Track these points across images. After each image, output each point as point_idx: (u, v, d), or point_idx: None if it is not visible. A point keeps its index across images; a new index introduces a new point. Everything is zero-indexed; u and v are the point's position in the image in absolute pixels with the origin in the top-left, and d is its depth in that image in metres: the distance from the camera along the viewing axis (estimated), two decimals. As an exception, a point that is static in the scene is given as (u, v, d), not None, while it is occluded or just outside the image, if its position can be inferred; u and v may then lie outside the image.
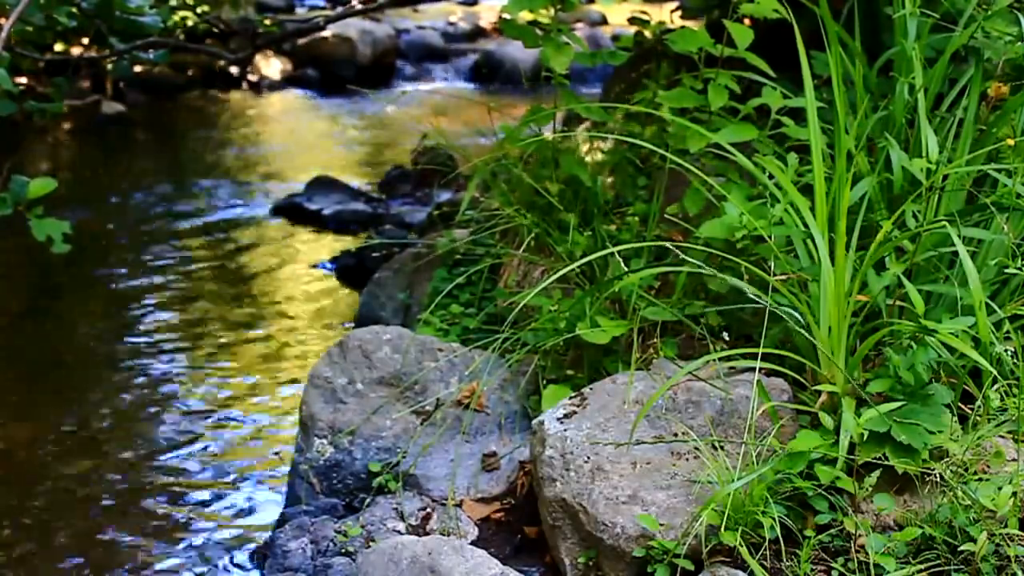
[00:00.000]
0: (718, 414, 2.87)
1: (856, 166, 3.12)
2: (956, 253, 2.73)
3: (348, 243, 6.19)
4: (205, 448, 4.08)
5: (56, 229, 4.07)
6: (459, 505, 3.17)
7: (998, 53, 3.32)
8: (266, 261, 6.08)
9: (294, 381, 4.57)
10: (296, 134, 8.96)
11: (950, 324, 2.67)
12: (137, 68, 9.08)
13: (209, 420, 4.29)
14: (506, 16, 3.98)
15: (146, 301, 5.48)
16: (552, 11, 3.91)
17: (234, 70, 10.32)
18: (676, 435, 2.82)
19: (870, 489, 2.57)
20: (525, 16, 3.98)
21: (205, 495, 3.77)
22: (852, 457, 2.61)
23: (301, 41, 10.38)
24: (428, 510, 3.15)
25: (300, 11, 12.49)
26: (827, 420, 2.65)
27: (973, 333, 2.65)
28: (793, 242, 3.06)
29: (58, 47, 8.45)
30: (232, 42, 10.11)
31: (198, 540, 3.50)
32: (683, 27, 3.97)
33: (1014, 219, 2.99)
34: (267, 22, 9.72)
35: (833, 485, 2.59)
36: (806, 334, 2.77)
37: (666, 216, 3.50)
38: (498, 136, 4.07)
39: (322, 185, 6.95)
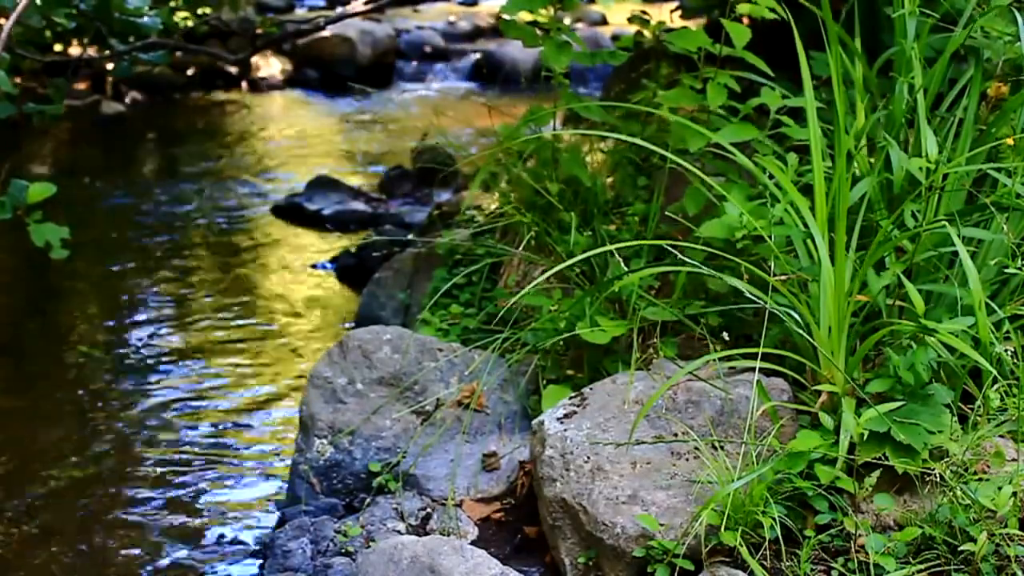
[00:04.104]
0: (718, 414, 2.87)
1: (856, 166, 3.12)
2: (956, 253, 2.73)
3: (348, 243, 6.19)
4: (205, 448, 4.08)
5: (55, 234, 4.07)
6: (459, 505, 3.17)
7: (998, 53, 3.32)
8: (266, 261, 6.08)
9: (294, 381, 4.57)
10: (296, 134, 8.96)
11: (950, 324, 2.67)
12: (137, 68, 9.07)
13: (209, 420, 4.29)
14: (505, 16, 3.98)
15: (145, 301, 5.48)
16: (551, 11, 3.92)
17: (234, 70, 10.31)
18: (676, 435, 2.82)
19: (870, 489, 2.57)
20: (524, 16, 3.98)
21: (205, 495, 3.77)
22: (852, 457, 2.61)
23: (301, 41, 10.37)
24: (428, 510, 3.15)
25: (300, 11, 12.49)
26: (827, 420, 2.65)
27: (973, 333, 2.65)
28: (793, 242, 3.07)
29: (57, 48, 8.45)
30: (232, 42, 10.11)
31: (198, 540, 3.50)
32: (683, 27, 3.97)
33: (1014, 219, 2.99)
34: (267, 22, 9.72)
35: (833, 485, 2.59)
36: (806, 334, 2.77)
37: (667, 215, 3.50)
38: (498, 136, 4.07)
39: (322, 185, 6.95)
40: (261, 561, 3.25)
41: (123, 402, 4.44)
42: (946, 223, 2.74)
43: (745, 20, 3.63)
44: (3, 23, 4.27)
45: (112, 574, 3.35)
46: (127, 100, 9.54)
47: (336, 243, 6.29)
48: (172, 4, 8.73)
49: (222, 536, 3.52)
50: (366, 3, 9.25)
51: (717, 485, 2.59)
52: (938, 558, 2.47)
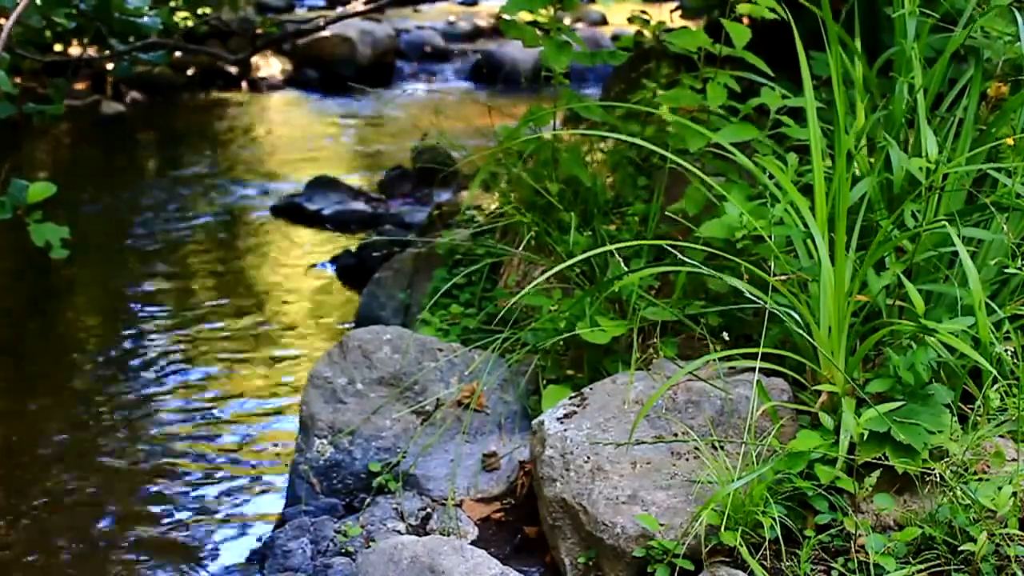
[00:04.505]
0: (718, 414, 2.87)
1: (856, 166, 3.12)
2: (956, 253, 2.73)
3: (348, 243, 6.19)
4: (204, 448, 4.08)
5: (55, 234, 4.07)
6: (459, 505, 3.17)
7: (998, 53, 3.32)
8: (266, 261, 6.08)
9: (294, 381, 4.57)
10: (296, 134, 8.96)
11: (950, 324, 2.67)
12: (137, 68, 9.08)
13: (208, 420, 4.29)
14: (505, 16, 3.99)
15: (145, 301, 5.48)
16: (551, 11, 3.92)
17: (234, 70, 10.32)
18: (676, 435, 2.82)
19: (870, 489, 2.57)
20: (524, 16, 3.99)
21: (204, 495, 3.77)
22: (852, 457, 2.61)
23: (301, 41, 10.38)
24: (428, 510, 3.15)
25: (300, 11, 12.49)
26: (827, 420, 2.65)
27: (973, 333, 2.65)
28: (793, 242, 3.07)
29: (57, 48, 8.45)
30: (232, 42, 10.11)
31: (198, 540, 3.50)
32: (683, 27, 3.97)
33: (1014, 219, 2.99)
34: (267, 22, 9.73)
35: (833, 485, 2.59)
36: (806, 334, 2.77)
37: (667, 215, 3.50)
38: (498, 136, 4.08)
39: (322, 185, 6.95)
40: (261, 561, 3.25)
41: (122, 402, 4.43)
42: (946, 223, 2.73)
43: (745, 20, 3.63)
44: (3, 23, 4.27)
45: (112, 574, 3.34)
46: (127, 100, 9.54)
47: (336, 243, 6.29)
48: (172, 4, 8.73)
49: (222, 536, 3.52)
50: (366, 3, 9.25)
51: (717, 485, 2.59)
52: (938, 558, 2.47)
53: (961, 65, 3.48)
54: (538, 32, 3.93)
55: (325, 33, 10.15)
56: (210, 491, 3.79)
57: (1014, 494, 2.42)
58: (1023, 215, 3.01)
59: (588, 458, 2.79)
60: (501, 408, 3.42)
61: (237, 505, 3.71)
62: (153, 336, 5.06)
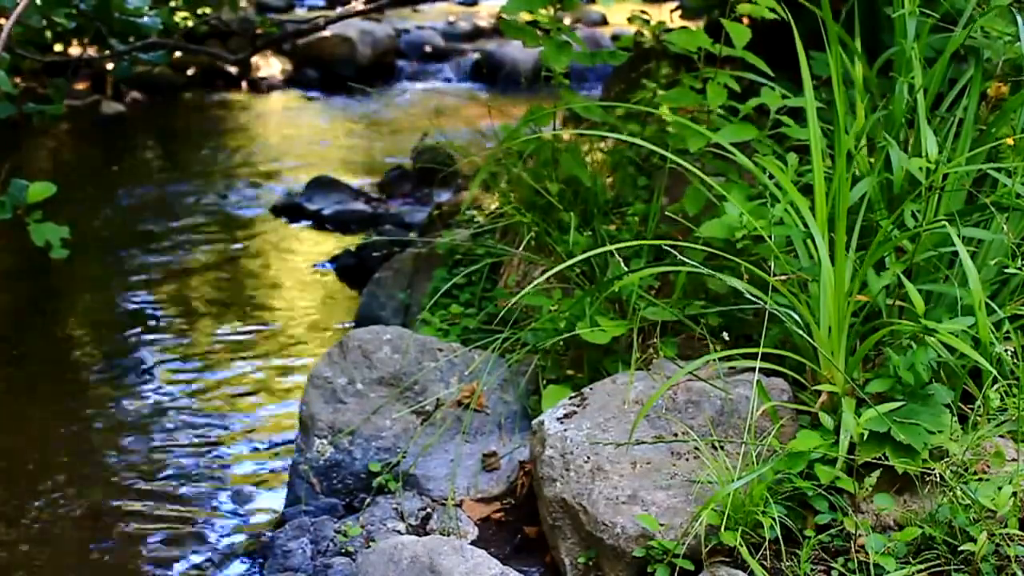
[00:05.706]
0: (718, 414, 2.87)
1: (856, 166, 3.12)
2: (956, 253, 2.73)
3: (348, 243, 6.19)
4: (205, 448, 4.08)
5: (55, 234, 4.08)
6: (459, 505, 3.17)
7: (998, 53, 3.32)
8: (266, 261, 6.08)
9: (294, 381, 4.57)
10: (296, 134, 8.96)
11: (950, 324, 2.67)
12: (137, 68, 9.08)
13: (209, 420, 4.29)
14: (505, 16, 3.99)
15: (145, 301, 5.48)
16: (551, 11, 3.92)
17: (234, 70, 10.31)
18: (676, 435, 2.82)
19: (870, 489, 2.57)
20: (524, 16, 3.99)
21: (205, 495, 3.77)
22: (852, 457, 2.61)
23: (301, 41, 10.38)
24: (428, 510, 3.15)
25: (300, 11, 12.49)
26: (827, 420, 2.65)
27: (973, 333, 2.65)
28: (793, 242, 3.07)
29: (57, 48, 8.45)
30: (232, 42, 10.11)
31: (198, 540, 3.50)
32: (683, 27, 3.97)
33: (1014, 219, 2.99)
34: (267, 22, 9.73)
35: (833, 485, 2.59)
36: (806, 334, 2.78)
37: (667, 215, 3.51)
38: (498, 136, 4.08)
39: (322, 185, 6.96)
40: (261, 561, 3.25)
41: (123, 402, 4.43)
42: (946, 223, 2.73)
43: (745, 20, 3.63)
44: (3, 23, 4.28)
45: (111, 573, 3.34)
46: (127, 100, 9.53)
47: (336, 243, 6.29)
48: (172, 4, 8.73)
49: (222, 536, 3.52)
50: (366, 3, 9.25)
51: (717, 485, 2.59)
52: (938, 558, 2.47)
53: (961, 65, 3.48)
54: (538, 32, 3.93)
55: (325, 33, 10.14)
56: (210, 490, 3.79)
57: (1014, 494, 2.42)
58: (1023, 215, 3.01)
59: (588, 458, 2.79)
60: (501, 408, 3.42)
61: (237, 505, 3.71)
62: (153, 336, 5.06)
